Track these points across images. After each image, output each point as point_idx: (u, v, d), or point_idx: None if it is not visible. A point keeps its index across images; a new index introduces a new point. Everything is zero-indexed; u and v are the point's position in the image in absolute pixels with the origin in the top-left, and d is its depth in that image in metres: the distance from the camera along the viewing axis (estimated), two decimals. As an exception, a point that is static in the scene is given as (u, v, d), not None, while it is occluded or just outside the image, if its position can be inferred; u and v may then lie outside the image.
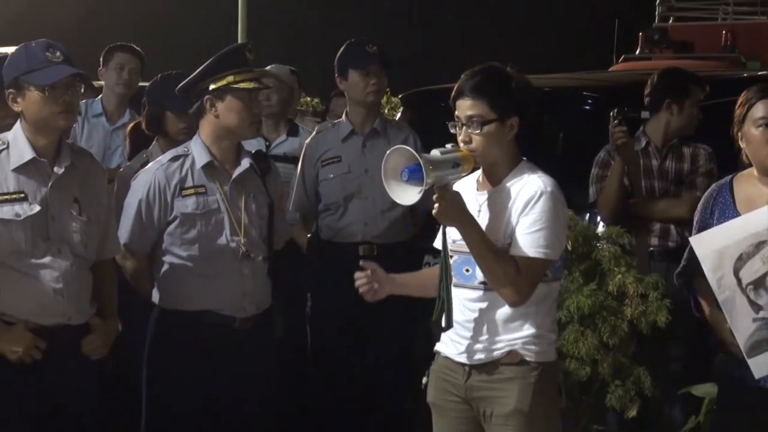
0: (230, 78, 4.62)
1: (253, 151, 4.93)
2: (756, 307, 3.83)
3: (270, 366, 4.82)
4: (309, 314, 6.12)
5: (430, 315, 4.03)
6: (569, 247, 5.01)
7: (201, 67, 4.69)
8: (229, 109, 4.64)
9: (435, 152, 3.78)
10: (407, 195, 3.72)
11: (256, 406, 4.76)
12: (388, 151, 3.77)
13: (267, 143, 6.65)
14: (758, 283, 3.83)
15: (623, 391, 5.03)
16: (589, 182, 5.74)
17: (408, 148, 3.75)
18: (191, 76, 4.72)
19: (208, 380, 4.62)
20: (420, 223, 5.90)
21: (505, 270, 3.77)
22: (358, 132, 5.97)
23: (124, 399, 5.14)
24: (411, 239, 5.99)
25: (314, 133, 6.16)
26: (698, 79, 5.90)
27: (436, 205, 3.78)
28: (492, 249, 3.79)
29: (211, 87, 4.63)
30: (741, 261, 3.85)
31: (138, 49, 6.95)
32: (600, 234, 5.29)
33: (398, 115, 7.28)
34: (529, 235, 3.79)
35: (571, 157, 5.92)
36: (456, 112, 3.89)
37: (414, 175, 3.67)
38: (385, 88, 6.07)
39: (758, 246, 3.82)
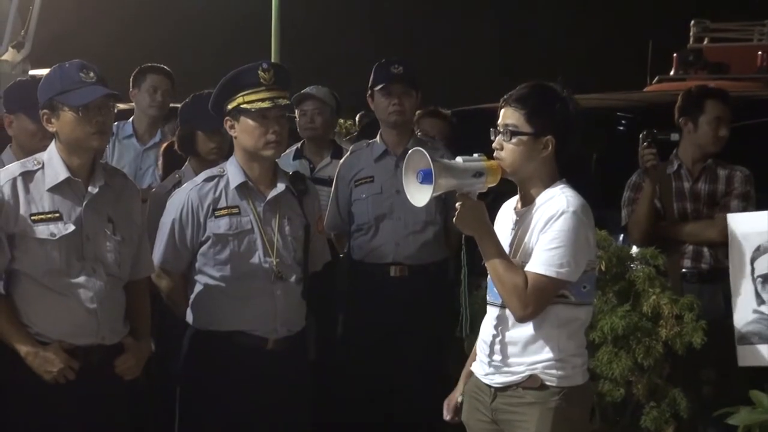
0: (240, 99, 4.59)
1: (290, 172, 4.93)
2: (759, 300, 3.83)
3: (302, 388, 4.81)
4: (340, 335, 6.12)
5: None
6: (603, 268, 4.99)
7: (215, 88, 4.68)
8: (243, 130, 4.62)
9: (459, 159, 3.79)
10: (420, 196, 3.74)
11: (288, 427, 4.74)
12: (410, 151, 3.79)
13: (311, 166, 6.65)
14: (767, 278, 3.82)
15: (658, 412, 5.00)
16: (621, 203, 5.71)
17: (424, 151, 3.73)
18: (211, 97, 4.72)
19: (241, 401, 4.62)
20: (455, 245, 5.87)
21: (515, 283, 3.73)
22: (391, 152, 5.97)
23: (157, 418, 5.14)
24: (443, 260, 5.98)
25: (348, 152, 6.16)
26: (715, 93, 5.76)
27: (456, 212, 3.78)
28: (506, 262, 3.77)
29: (228, 108, 4.63)
30: (758, 251, 3.86)
31: (169, 70, 6.97)
32: (634, 255, 5.26)
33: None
34: (544, 252, 3.75)
35: (605, 177, 5.89)
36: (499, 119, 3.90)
37: (427, 178, 3.70)
38: (413, 108, 6.03)
39: None
